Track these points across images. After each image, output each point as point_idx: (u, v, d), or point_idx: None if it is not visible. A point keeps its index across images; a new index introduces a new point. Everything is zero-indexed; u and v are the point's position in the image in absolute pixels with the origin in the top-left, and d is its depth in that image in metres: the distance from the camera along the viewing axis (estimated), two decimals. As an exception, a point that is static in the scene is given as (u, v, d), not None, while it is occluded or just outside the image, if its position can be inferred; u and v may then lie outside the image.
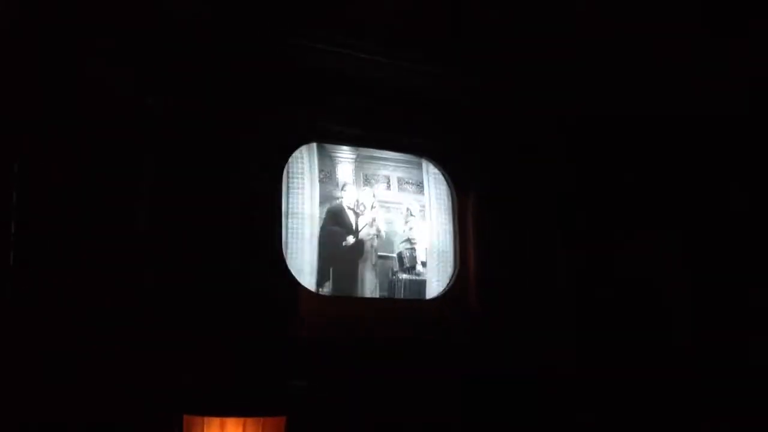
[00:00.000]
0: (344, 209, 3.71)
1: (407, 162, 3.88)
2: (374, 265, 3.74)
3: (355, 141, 3.74)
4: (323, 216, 3.64)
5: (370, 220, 3.75)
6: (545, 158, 4.00)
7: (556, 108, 3.98)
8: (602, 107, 3.96)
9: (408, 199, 3.87)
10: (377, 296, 3.74)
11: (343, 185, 3.72)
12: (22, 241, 2.89)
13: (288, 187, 3.51)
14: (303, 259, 3.53)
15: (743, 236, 3.76)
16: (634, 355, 3.82)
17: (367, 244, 3.74)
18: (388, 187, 3.84)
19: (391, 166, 3.86)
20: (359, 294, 3.72)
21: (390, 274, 3.77)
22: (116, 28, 3.10)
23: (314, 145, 3.63)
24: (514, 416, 3.65)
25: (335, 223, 3.68)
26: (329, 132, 3.68)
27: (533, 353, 3.77)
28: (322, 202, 3.64)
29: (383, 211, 3.80)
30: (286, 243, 3.47)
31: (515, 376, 3.71)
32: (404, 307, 3.77)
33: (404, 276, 3.79)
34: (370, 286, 3.72)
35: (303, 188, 3.59)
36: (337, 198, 3.70)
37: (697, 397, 3.71)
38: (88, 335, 2.95)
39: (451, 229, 3.88)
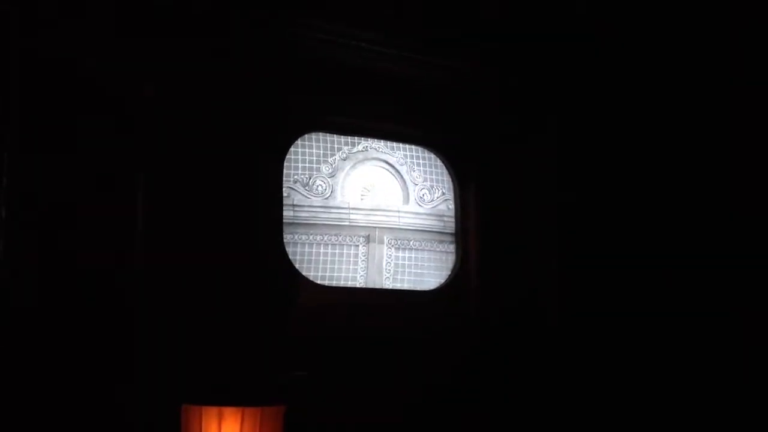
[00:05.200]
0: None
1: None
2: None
3: (356, 132, 3.74)
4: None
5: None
6: (548, 151, 3.99)
7: (560, 99, 3.98)
8: (605, 101, 3.96)
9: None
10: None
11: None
12: (12, 233, 2.88)
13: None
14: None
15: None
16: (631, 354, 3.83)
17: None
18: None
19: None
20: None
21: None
22: (112, 17, 3.10)
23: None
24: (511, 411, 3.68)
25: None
26: (330, 123, 3.68)
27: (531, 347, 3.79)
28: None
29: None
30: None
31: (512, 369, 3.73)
32: (406, 298, 3.75)
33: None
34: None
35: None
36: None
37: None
38: (82, 326, 2.92)
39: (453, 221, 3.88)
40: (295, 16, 3.44)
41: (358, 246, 3.68)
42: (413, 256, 3.79)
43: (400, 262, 3.76)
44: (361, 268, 3.68)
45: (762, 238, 3.64)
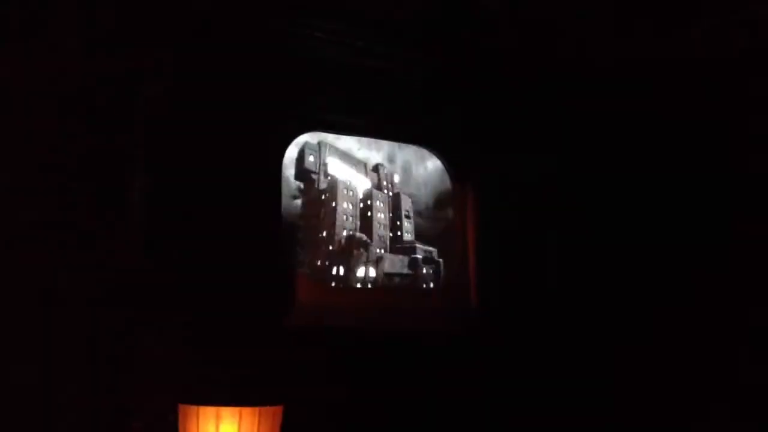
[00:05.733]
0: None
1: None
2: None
3: (354, 130, 3.74)
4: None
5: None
6: (546, 149, 3.99)
7: (559, 98, 3.98)
8: (604, 100, 3.95)
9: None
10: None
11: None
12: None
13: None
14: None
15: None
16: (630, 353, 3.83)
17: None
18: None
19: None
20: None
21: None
22: (112, 17, 3.11)
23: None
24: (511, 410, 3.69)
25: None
26: (328, 121, 3.68)
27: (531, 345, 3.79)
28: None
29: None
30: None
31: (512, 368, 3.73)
32: (406, 298, 3.76)
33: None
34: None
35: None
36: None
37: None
38: (79, 322, 2.93)
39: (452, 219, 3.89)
40: (295, 16, 3.44)
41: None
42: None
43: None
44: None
45: (762, 238, 3.64)
